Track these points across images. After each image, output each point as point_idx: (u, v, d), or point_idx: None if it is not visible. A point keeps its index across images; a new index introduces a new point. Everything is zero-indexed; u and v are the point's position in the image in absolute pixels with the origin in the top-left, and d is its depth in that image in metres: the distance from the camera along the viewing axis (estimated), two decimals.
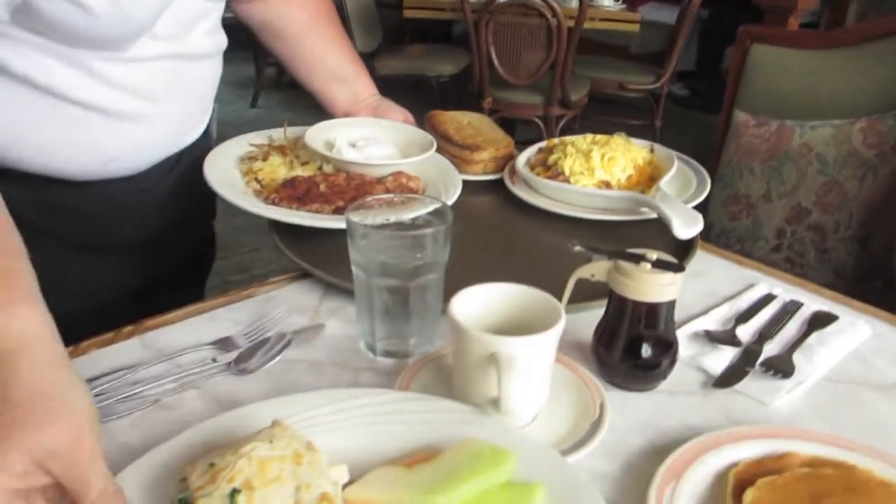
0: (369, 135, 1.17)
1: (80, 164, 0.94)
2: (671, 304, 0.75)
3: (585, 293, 0.80)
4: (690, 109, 5.33)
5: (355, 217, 0.77)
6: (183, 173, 1.10)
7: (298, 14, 1.25)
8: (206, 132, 1.21)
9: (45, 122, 0.89)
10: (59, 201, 0.98)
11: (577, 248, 0.76)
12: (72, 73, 0.87)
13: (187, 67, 1.00)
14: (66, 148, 0.92)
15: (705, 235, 1.04)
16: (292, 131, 1.20)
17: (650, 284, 0.71)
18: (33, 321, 0.59)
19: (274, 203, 1.01)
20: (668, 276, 0.71)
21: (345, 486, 0.58)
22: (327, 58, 1.27)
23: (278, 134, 1.19)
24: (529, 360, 0.63)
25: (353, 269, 0.79)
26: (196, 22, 0.99)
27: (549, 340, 0.65)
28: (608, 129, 1.25)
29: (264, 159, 1.10)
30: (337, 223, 0.94)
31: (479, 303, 0.70)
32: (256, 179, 1.07)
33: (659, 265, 0.72)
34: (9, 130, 0.89)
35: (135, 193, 1.04)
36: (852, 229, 1.66)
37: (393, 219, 0.82)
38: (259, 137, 1.18)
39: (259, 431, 0.59)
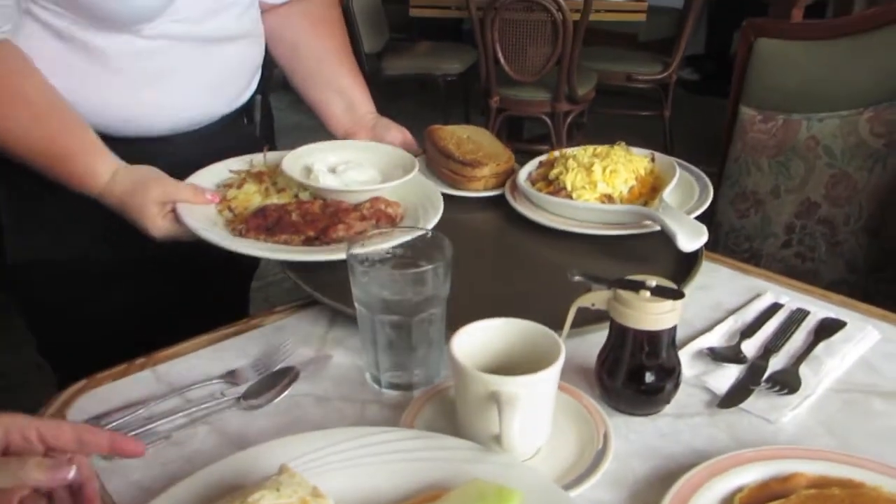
0: (350, 158, 1.13)
1: (104, 118, 1.02)
2: (672, 330, 0.75)
3: (588, 317, 0.81)
4: (701, 95, 5.27)
5: (357, 252, 0.78)
6: (214, 149, 1.12)
7: (301, 21, 1.26)
8: (251, 119, 1.26)
9: (69, 73, 0.99)
10: None
11: (577, 277, 0.76)
12: (91, 36, 0.98)
13: (209, 48, 1.07)
14: (88, 102, 1.00)
15: (714, 236, 1.03)
16: (273, 156, 1.16)
17: (650, 313, 0.72)
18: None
19: (241, 234, 0.98)
20: (668, 304, 0.72)
21: None
22: (323, 66, 1.27)
23: (259, 159, 1.16)
24: (530, 397, 0.64)
25: (356, 304, 0.80)
26: (221, 9, 1.06)
27: (549, 378, 0.66)
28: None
29: (239, 187, 1.07)
30: (304, 255, 0.95)
31: (479, 339, 0.70)
32: (230, 208, 1.04)
33: (658, 292, 0.72)
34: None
35: (164, 157, 1.06)
36: (862, 220, 1.65)
37: (368, 250, 0.82)
38: (239, 163, 1.14)
39: (267, 478, 0.60)
